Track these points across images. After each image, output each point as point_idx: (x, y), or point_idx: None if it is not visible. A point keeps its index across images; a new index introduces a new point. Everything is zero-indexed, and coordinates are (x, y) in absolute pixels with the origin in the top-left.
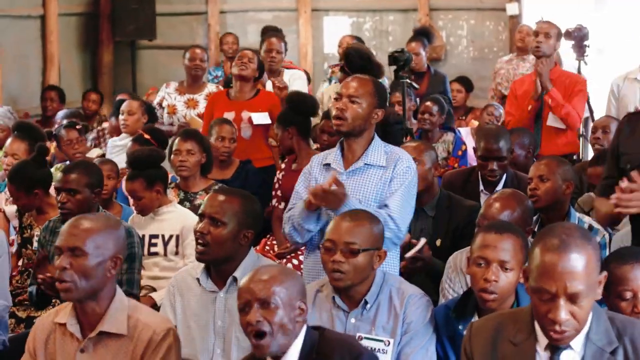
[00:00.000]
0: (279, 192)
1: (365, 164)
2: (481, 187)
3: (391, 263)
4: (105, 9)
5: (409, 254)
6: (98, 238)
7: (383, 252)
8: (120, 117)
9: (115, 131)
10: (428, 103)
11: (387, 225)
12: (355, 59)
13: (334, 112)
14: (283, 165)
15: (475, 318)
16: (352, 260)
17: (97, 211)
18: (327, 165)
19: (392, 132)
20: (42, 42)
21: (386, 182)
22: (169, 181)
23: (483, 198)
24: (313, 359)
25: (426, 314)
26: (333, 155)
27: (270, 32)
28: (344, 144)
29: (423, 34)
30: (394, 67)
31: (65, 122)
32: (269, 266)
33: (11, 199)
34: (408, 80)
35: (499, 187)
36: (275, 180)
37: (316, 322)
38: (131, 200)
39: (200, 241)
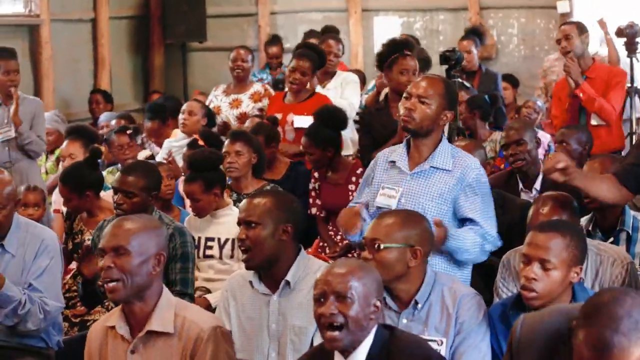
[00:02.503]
0: (317, 201)
1: (431, 166)
2: (520, 186)
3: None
4: (155, 12)
5: None
6: (140, 237)
7: (419, 251)
8: (180, 116)
9: (151, 133)
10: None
11: (485, 240)
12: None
13: (402, 111)
14: (316, 174)
15: None
16: (377, 256)
17: (151, 213)
18: (393, 162)
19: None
20: (93, 46)
21: (450, 186)
22: None
23: (524, 196)
24: (383, 357)
25: (479, 314)
26: (399, 153)
27: (328, 33)
28: (410, 142)
29: (475, 33)
30: (445, 66)
31: (114, 124)
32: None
33: None
34: (460, 80)
35: (537, 183)
36: (311, 187)
37: None
38: (187, 202)
39: (242, 248)
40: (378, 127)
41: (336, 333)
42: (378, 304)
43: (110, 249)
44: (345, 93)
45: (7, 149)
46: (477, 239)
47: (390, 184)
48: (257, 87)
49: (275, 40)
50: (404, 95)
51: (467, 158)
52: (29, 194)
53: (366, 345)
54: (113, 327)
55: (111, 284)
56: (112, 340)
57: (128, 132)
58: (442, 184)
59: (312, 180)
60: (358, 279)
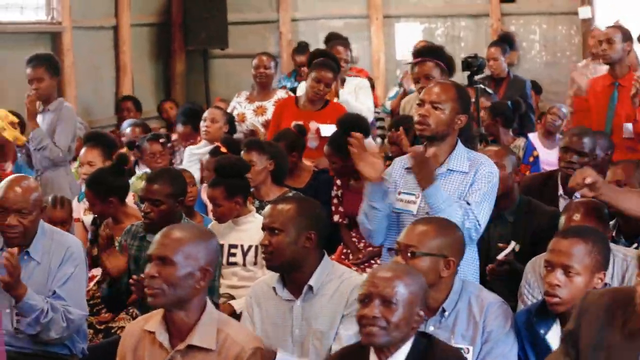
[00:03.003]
0: (340, 209)
1: (448, 169)
2: (560, 192)
3: (470, 267)
4: (177, 19)
5: (499, 257)
6: (188, 249)
7: (452, 262)
8: (202, 123)
9: (184, 137)
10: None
11: (467, 217)
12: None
13: (416, 118)
14: (339, 182)
15: (557, 322)
16: (411, 263)
17: (181, 220)
18: (409, 169)
19: (467, 135)
20: (114, 53)
21: (468, 187)
22: None
23: (562, 203)
24: None
25: (506, 323)
26: None
27: (334, 40)
28: (426, 148)
29: (505, 41)
30: (467, 73)
31: (129, 132)
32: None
33: (89, 209)
34: (482, 86)
35: (578, 192)
36: (333, 195)
37: None
38: (209, 206)
39: (264, 253)
40: None
41: (375, 328)
42: (422, 313)
43: (156, 258)
44: (360, 98)
45: (38, 157)
46: (458, 209)
47: (408, 189)
48: (280, 93)
49: (302, 48)
50: (417, 102)
51: (482, 158)
52: (56, 212)
53: (404, 352)
54: (152, 332)
55: (152, 291)
56: (150, 345)
57: (161, 140)
58: (460, 186)
59: (335, 188)
60: (405, 285)
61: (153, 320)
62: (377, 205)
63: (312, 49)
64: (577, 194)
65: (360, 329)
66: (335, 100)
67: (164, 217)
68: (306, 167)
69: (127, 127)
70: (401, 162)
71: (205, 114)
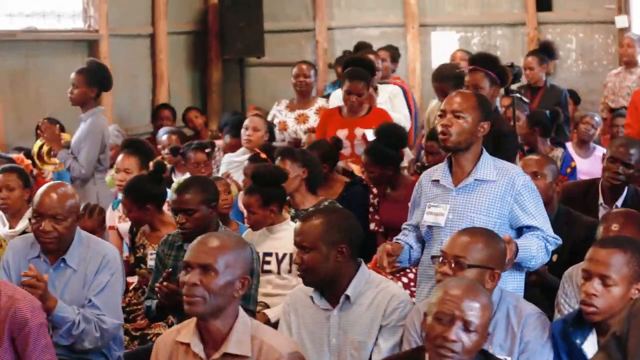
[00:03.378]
0: (376, 217)
1: (476, 179)
2: (600, 200)
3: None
4: (213, 27)
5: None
6: (228, 257)
7: (497, 274)
8: (244, 132)
9: (231, 149)
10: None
11: (547, 242)
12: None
13: (439, 129)
14: (375, 190)
15: (593, 332)
16: (457, 274)
17: (217, 227)
18: (436, 181)
19: (505, 143)
20: (151, 61)
21: (498, 196)
22: None
23: (602, 212)
24: None
25: (544, 334)
26: (441, 171)
27: (364, 49)
28: (451, 159)
29: (544, 50)
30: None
31: (165, 140)
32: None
33: (124, 216)
34: (518, 95)
35: (619, 202)
36: (369, 203)
37: None
38: (245, 213)
39: (299, 271)
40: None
41: (451, 353)
42: (488, 334)
43: (197, 265)
44: (397, 106)
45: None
46: (540, 243)
47: (437, 202)
48: (321, 102)
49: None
50: (439, 113)
51: (510, 167)
52: (85, 221)
53: None
54: (185, 343)
55: (193, 299)
56: (184, 356)
57: (206, 150)
58: (488, 196)
59: (371, 196)
60: (486, 311)
61: (186, 331)
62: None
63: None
64: (618, 203)
65: (432, 347)
66: None
67: (200, 225)
68: (339, 179)
69: (163, 135)
70: (428, 175)
71: (247, 123)
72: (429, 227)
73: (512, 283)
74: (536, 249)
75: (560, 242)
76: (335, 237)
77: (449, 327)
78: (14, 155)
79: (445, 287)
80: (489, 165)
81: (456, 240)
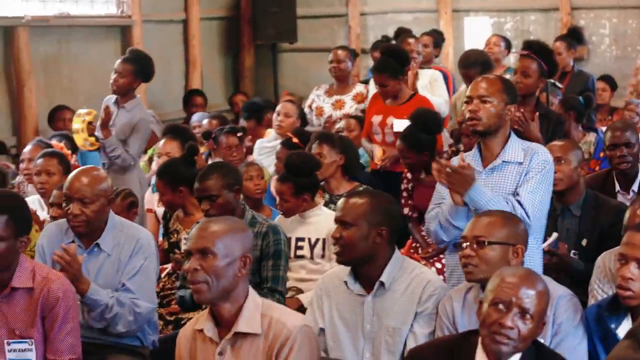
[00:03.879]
0: (410, 202)
1: (503, 161)
2: (617, 188)
3: (534, 260)
4: (246, 13)
5: (542, 246)
6: (226, 239)
7: (520, 249)
8: (276, 117)
9: (251, 133)
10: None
11: (514, 212)
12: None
13: (467, 115)
14: (409, 175)
15: (628, 317)
16: (480, 253)
17: (243, 212)
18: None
19: (555, 132)
20: (184, 47)
21: (523, 176)
22: None
23: (620, 199)
24: None
25: (576, 315)
26: (471, 156)
27: (404, 34)
28: (481, 144)
29: (572, 35)
30: None
31: (206, 124)
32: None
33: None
34: (551, 80)
35: (635, 185)
36: (403, 188)
37: (465, 325)
38: (277, 199)
39: (336, 247)
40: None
41: (506, 338)
42: (545, 321)
43: (196, 251)
44: (436, 91)
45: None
46: (503, 204)
47: None
48: (359, 87)
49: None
50: (465, 99)
51: (537, 147)
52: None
53: (516, 358)
54: (201, 330)
55: (197, 285)
56: (201, 343)
57: (238, 134)
58: (516, 176)
59: (405, 182)
60: (543, 298)
61: (201, 319)
62: (459, 224)
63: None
64: (634, 188)
65: (488, 333)
66: None
67: (224, 210)
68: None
69: (203, 120)
70: (460, 158)
71: (279, 108)
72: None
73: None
74: (494, 202)
75: (529, 221)
76: (377, 218)
77: (505, 313)
78: (54, 143)
79: (501, 275)
80: (516, 147)
81: (475, 222)
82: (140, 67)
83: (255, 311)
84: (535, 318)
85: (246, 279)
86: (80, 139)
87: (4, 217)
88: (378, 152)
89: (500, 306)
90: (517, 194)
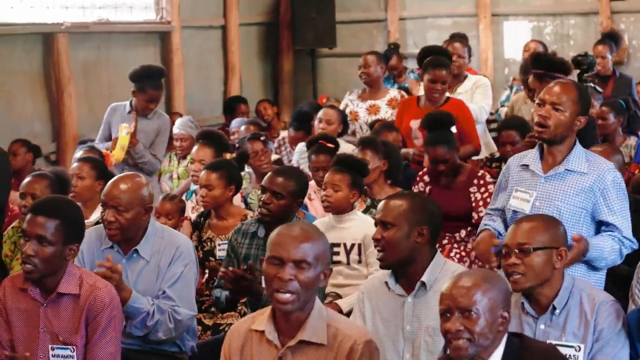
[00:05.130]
0: None
1: (566, 169)
2: None
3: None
4: (285, 18)
5: None
6: (318, 250)
7: (563, 251)
8: (318, 124)
9: (295, 141)
10: (604, 108)
11: (623, 245)
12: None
13: (536, 119)
14: (427, 179)
15: None
16: (526, 260)
17: (293, 219)
18: (525, 166)
19: (585, 134)
20: (223, 52)
21: (586, 188)
22: None
23: None
24: None
25: (618, 322)
26: (532, 157)
27: (453, 37)
28: (543, 147)
29: (611, 38)
30: (577, 71)
31: (244, 130)
32: (474, 271)
33: (197, 207)
34: (592, 84)
35: None
36: (418, 191)
37: None
38: (309, 204)
39: (378, 247)
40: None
41: (461, 342)
42: (506, 314)
43: (290, 260)
44: (475, 97)
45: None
46: (615, 246)
47: (524, 188)
48: (393, 93)
49: (391, 50)
50: (537, 102)
51: (602, 161)
52: (166, 203)
53: (497, 356)
54: (259, 331)
55: (287, 296)
56: (258, 344)
57: (261, 138)
58: (577, 187)
59: (422, 185)
60: (483, 292)
61: (260, 319)
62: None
63: (420, 48)
64: None
65: (446, 344)
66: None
67: (281, 212)
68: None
69: (241, 126)
70: (516, 160)
71: (320, 115)
72: (514, 211)
73: (593, 276)
74: (609, 250)
75: (636, 246)
76: (417, 218)
77: (449, 319)
78: (104, 150)
79: (442, 289)
80: (581, 157)
81: (516, 229)
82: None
83: (321, 321)
84: (486, 313)
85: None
86: (122, 154)
87: (56, 221)
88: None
89: (447, 315)
90: (613, 225)
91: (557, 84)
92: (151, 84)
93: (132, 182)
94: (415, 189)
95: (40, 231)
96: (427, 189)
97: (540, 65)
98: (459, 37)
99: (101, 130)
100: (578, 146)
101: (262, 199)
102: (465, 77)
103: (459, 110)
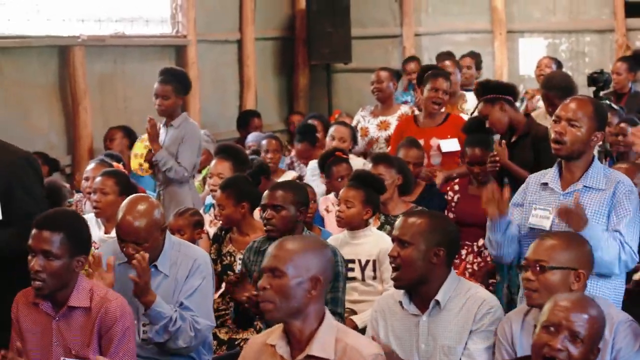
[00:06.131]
0: (450, 214)
1: (585, 186)
2: None
3: (617, 289)
4: (300, 33)
5: (636, 277)
6: (298, 259)
7: (582, 274)
8: (329, 141)
9: (301, 154)
10: (622, 124)
11: (622, 249)
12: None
13: (552, 135)
14: (457, 187)
15: None
16: (541, 278)
17: (302, 231)
18: (545, 184)
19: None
20: (239, 67)
21: (604, 204)
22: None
23: None
24: None
25: (636, 341)
26: (551, 175)
27: (441, 56)
28: (562, 164)
29: (635, 58)
30: (593, 88)
31: (265, 144)
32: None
33: (215, 221)
34: (607, 102)
35: None
36: (449, 199)
37: (524, 346)
38: (326, 219)
39: (393, 265)
40: None
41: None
42: (600, 347)
43: (267, 270)
44: None
45: (160, 173)
46: (613, 243)
47: (543, 205)
48: (404, 109)
49: (412, 57)
50: (553, 118)
51: (619, 176)
52: (178, 220)
53: None
54: (272, 345)
55: (264, 304)
56: (270, 358)
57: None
58: (596, 203)
59: (451, 193)
60: (595, 322)
61: (275, 334)
62: (498, 238)
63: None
64: None
65: (537, 356)
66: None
67: (286, 224)
68: (418, 182)
69: (259, 140)
70: (536, 178)
71: (332, 132)
72: (531, 229)
73: (611, 291)
74: (606, 242)
75: (637, 260)
76: (435, 238)
77: (555, 336)
78: (115, 163)
79: (555, 299)
80: (599, 174)
81: (537, 245)
82: (178, 84)
83: (330, 335)
84: (586, 342)
85: (320, 300)
86: (136, 162)
87: (60, 235)
88: (440, 175)
89: (552, 329)
90: (619, 232)
91: (573, 100)
92: (160, 79)
93: (142, 211)
94: (448, 198)
95: (45, 246)
96: (456, 197)
97: (490, 91)
98: (447, 55)
99: None
100: (596, 162)
101: (264, 216)
102: (461, 95)
103: (460, 127)
